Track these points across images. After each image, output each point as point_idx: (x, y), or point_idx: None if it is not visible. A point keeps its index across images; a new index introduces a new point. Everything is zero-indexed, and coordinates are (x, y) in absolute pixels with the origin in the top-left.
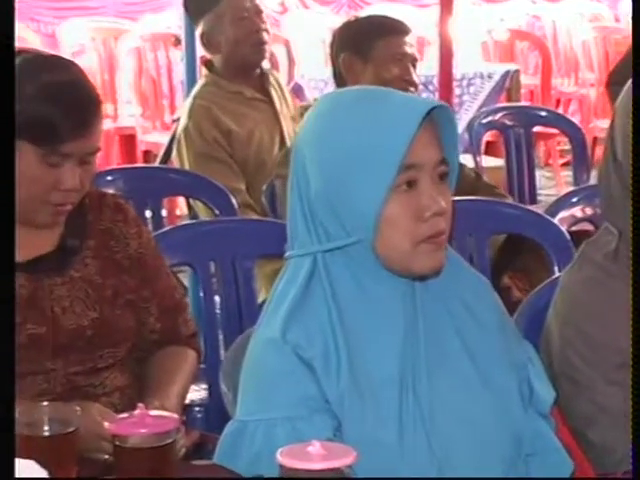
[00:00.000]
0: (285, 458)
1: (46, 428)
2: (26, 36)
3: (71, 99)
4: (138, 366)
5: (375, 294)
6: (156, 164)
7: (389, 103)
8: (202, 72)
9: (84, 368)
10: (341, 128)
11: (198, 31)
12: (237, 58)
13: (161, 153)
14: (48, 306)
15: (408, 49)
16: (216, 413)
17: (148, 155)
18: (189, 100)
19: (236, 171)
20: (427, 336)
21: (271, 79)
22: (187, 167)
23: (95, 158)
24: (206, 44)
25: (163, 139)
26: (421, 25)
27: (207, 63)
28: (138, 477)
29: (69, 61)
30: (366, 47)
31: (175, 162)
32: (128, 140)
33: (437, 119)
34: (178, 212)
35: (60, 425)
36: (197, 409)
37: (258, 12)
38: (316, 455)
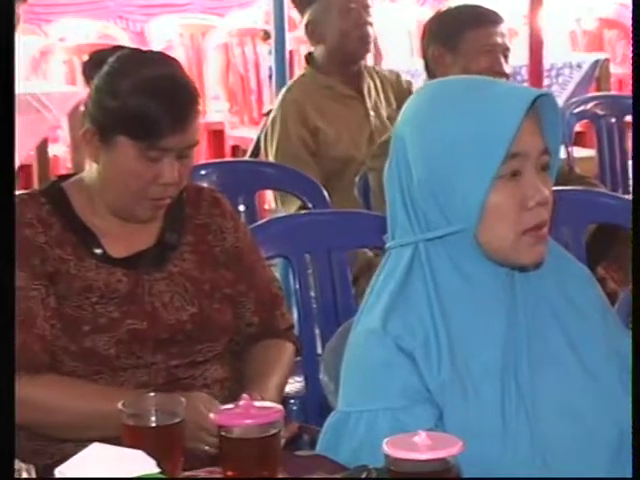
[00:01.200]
0: (391, 448)
1: (153, 419)
2: (115, 34)
3: (170, 94)
4: (236, 359)
5: (476, 283)
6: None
7: (494, 92)
8: (301, 65)
9: (184, 361)
10: (446, 117)
11: (303, 20)
12: (340, 50)
13: (250, 148)
14: (148, 301)
15: (498, 39)
16: (312, 405)
17: (236, 150)
18: (282, 92)
19: (314, 171)
20: (528, 326)
21: (367, 77)
22: (270, 158)
23: (193, 152)
24: (310, 34)
25: (251, 134)
26: (508, 15)
27: (308, 56)
28: (243, 467)
29: (167, 56)
30: (454, 39)
31: (262, 151)
32: (216, 135)
33: (539, 108)
34: (266, 207)
35: (166, 416)
36: (293, 401)
37: (365, 6)
38: (422, 445)
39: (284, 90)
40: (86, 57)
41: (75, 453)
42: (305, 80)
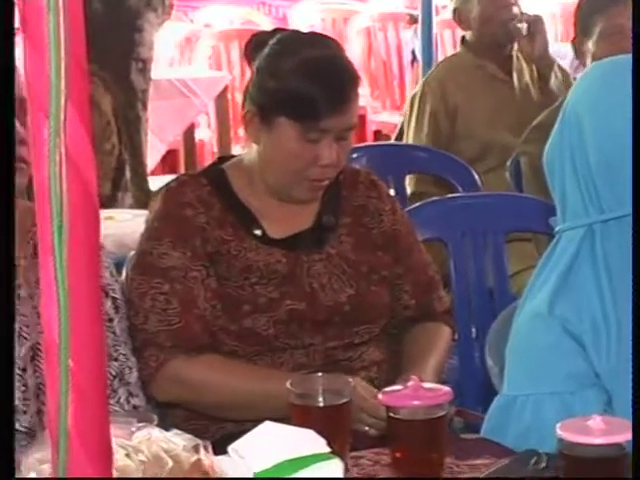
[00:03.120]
0: (565, 432)
1: (320, 399)
2: (257, 20)
3: (331, 75)
4: (393, 342)
5: None
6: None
7: None
8: (445, 49)
9: (341, 343)
10: (629, 97)
11: (451, 6)
12: (486, 35)
13: (395, 132)
14: (306, 282)
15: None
16: (467, 388)
17: (378, 135)
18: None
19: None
20: None
21: (522, 61)
22: (410, 135)
23: (351, 134)
24: (458, 20)
25: (393, 119)
26: None
27: (463, 38)
28: (411, 449)
29: (328, 37)
30: (589, 25)
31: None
32: (358, 120)
33: None
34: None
35: (334, 396)
36: (447, 384)
37: None
38: (597, 429)
39: (433, 66)
40: (234, 42)
41: (236, 432)
42: (455, 59)
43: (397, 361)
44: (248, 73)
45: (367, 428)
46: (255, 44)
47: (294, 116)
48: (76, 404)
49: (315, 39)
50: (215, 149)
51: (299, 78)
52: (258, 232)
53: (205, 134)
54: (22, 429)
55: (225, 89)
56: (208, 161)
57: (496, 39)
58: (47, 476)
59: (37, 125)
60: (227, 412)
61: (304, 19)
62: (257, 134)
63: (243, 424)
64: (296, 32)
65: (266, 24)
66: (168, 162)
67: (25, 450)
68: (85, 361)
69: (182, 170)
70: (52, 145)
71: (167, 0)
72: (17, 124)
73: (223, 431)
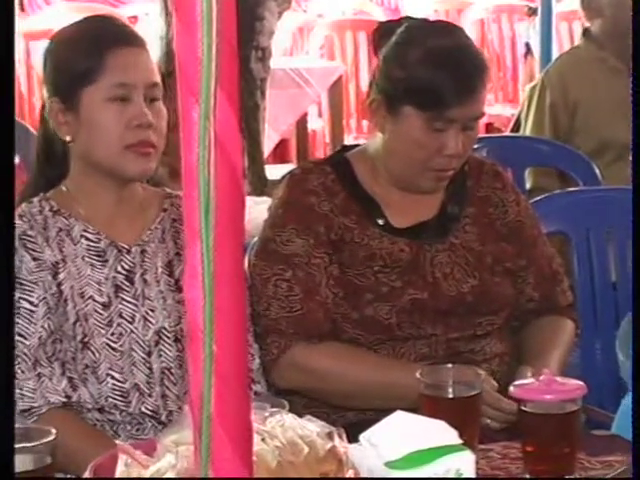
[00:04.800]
0: None
1: (450, 390)
2: (370, 10)
3: (458, 64)
4: (515, 334)
5: None
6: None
7: None
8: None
9: (463, 334)
10: None
11: None
12: (618, 22)
13: (510, 125)
14: (429, 272)
15: None
16: (589, 384)
17: (490, 127)
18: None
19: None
20: None
21: None
22: (529, 121)
23: (477, 124)
24: (586, 7)
25: (505, 112)
26: None
27: (585, 30)
28: (543, 443)
29: (455, 26)
30: None
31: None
32: None
33: None
34: None
35: (463, 388)
36: None
37: None
38: None
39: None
40: (347, 32)
41: (356, 421)
42: (577, 52)
43: (518, 354)
44: (361, 63)
45: (489, 421)
46: (382, 33)
47: (420, 106)
48: (219, 389)
49: (443, 28)
50: (327, 139)
51: (426, 68)
52: (381, 221)
53: (317, 124)
54: (147, 412)
55: (339, 79)
56: (319, 151)
57: (627, 27)
58: (183, 458)
59: (187, 108)
60: (349, 400)
61: (417, 10)
62: (382, 123)
63: (364, 413)
64: (424, 21)
65: (379, 14)
66: (279, 151)
67: (151, 432)
68: (228, 346)
69: (293, 159)
70: (202, 128)
71: None
72: (146, 110)
73: (343, 420)
